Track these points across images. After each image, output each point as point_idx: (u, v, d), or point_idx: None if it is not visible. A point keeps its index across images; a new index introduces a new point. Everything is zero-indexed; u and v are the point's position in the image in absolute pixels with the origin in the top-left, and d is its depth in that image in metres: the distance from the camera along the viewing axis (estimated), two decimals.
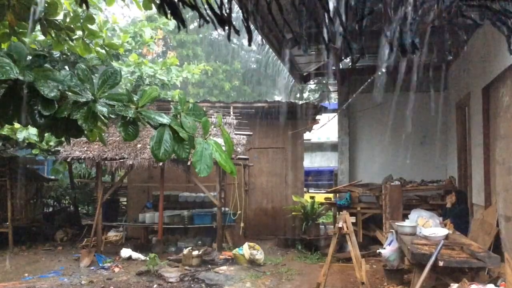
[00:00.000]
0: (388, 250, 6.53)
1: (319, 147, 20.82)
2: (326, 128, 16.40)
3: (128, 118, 2.71)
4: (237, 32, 1.81)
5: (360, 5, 1.63)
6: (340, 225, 5.70)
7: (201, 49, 23.06)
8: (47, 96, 2.62)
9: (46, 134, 3.58)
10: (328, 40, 1.71)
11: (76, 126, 2.75)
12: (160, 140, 2.67)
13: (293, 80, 19.92)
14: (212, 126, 6.92)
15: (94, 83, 2.80)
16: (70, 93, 2.75)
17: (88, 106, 2.70)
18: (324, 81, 17.58)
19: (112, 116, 2.77)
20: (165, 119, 2.74)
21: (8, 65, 2.48)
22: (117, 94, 2.84)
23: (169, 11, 1.76)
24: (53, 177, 13.30)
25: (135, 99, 2.79)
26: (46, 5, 4.10)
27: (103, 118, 2.85)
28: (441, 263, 4.75)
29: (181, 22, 1.79)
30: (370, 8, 1.66)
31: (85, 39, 4.96)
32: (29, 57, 2.84)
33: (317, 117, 12.46)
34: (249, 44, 1.97)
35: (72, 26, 4.58)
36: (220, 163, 2.66)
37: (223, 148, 2.83)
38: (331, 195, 13.04)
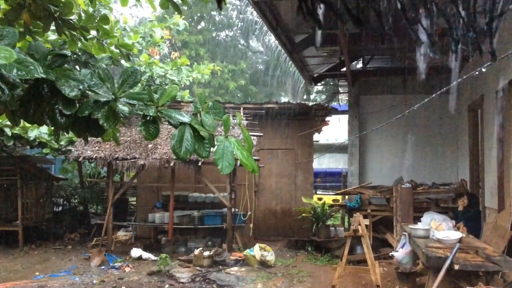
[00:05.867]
0: (401, 252, 6.48)
1: (328, 148, 20.75)
2: (335, 129, 16.39)
3: (149, 117, 2.71)
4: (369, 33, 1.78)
5: (490, 6, 1.61)
6: (355, 227, 5.66)
7: (206, 50, 23.07)
8: (69, 95, 2.62)
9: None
10: (458, 41, 1.69)
11: (97, 125, 2.75)
12: (181, 138, 2.65)
13: (300, 81, 19.89)
14: None
15: (114, 82, 2.80)
16: (90, 93, 2.75)
17: (109, 105, 2.70)
18: (332, 83, 17.55)
19: (127, 115, 2.76)
20: (185, 117, 2.73)
21: (32, 65, 2.47)
22: (137, 93, 2.83)
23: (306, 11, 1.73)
24: (62, 176, 13.36)
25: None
26: (61, 4, 4.11)
27: (122, 117, 2.85)
28: (456, 267, 4.69)
29: (317, 22, 1.77)
30: (501, 10, 1.63)
31: (99, 38, 4.99)
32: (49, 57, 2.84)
33: (327, 118, 12.41)
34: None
35: (87, 25, 4.60)
36: (241, 161, 2.64)
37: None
38: (339, 197, 12.98)
